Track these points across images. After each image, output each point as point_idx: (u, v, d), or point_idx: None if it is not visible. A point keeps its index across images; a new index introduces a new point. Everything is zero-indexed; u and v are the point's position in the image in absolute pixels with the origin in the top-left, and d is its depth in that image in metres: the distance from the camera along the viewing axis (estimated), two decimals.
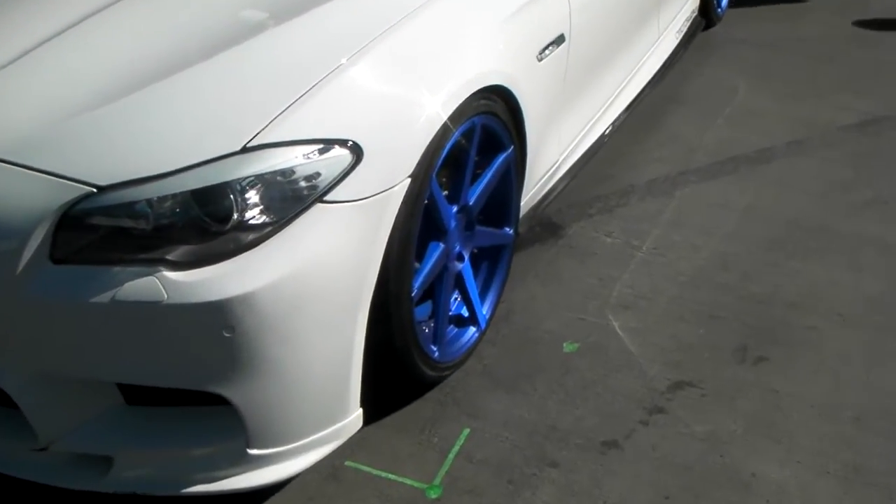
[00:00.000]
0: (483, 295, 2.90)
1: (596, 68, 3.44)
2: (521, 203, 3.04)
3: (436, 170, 2.36)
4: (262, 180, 1.99)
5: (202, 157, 1.98)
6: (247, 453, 2.10)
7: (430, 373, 2.61)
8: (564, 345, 2.95)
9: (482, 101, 2.50)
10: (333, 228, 2.06)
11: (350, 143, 2.10)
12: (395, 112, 2.24)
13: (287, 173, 2.01)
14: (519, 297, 3.17)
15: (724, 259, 3.39)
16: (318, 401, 2.17)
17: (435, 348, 2.62)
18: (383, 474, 2.48)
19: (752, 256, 3.41)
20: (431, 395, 2.73)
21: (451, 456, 2.55)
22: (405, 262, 2.30)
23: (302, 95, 2.11)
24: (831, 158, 4.15)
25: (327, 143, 2.08)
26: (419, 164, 2.25)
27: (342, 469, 2.49)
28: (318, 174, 2.04)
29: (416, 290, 2.40)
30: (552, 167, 3.24)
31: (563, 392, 2.75)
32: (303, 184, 2.02)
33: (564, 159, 3.35)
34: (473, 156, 2.57)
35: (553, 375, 2.82)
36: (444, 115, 2.32)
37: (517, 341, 2.96)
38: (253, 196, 1.98)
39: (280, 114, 2.07)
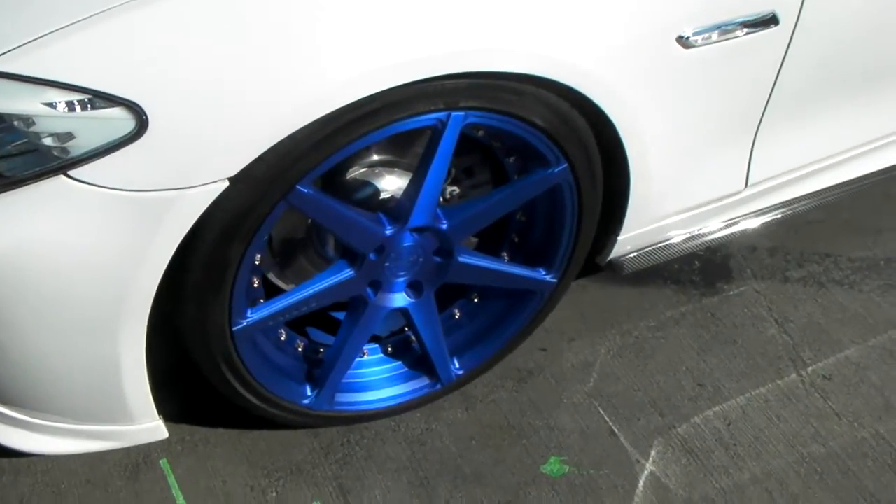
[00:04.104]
0: (468, 346, 2.10)
1: (847, 87, 2.17)
2: (622, 238, 2.07)
3: (308, 178, 1.61)
4: None
5: None
6: None
7: (284, 415, 1.97)
8: (551, 460, 2.06)
9: (478, 92, 1.67)
10: (76, 215, 1.53)
11: (132, 105, 1.46)
12: (229, 79, 1.49)
13: (27, 121, 1.47)
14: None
15: None
16: (76, 394, 1.78)
17: (311, 391, 1.92)
18: (180, 501, 1.98)
19: None
20: (326, 439, 2.08)
21: None
22: (215, 295, 1.69)
23: (77, 21, 1.47)
24: None
25: (97, 97, 1.47)
26: (259, 164, 1.54)
27: (153, 467, 2.03)
28: (71, 136, 1.48)
29: (273, 322, 1.83)
30: (711, 202, 2.16)
31: None
32: (48, 142, 1.48)
33: (751, 197, 2.23)
34: (441, 164, 1.73)
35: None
36: (337, 99, 1.54)
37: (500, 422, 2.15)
38: None
39: (39, 38, 1.46)
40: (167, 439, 1.87)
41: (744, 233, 2.31)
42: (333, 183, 1.86)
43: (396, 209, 1.79)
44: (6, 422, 1.81)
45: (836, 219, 2.68)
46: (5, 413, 1.79)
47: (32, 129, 1.47)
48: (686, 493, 2.01)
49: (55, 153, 1.48)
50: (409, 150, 1.91)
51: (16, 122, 1.47)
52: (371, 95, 1.54)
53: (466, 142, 1.80)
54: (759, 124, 2.09)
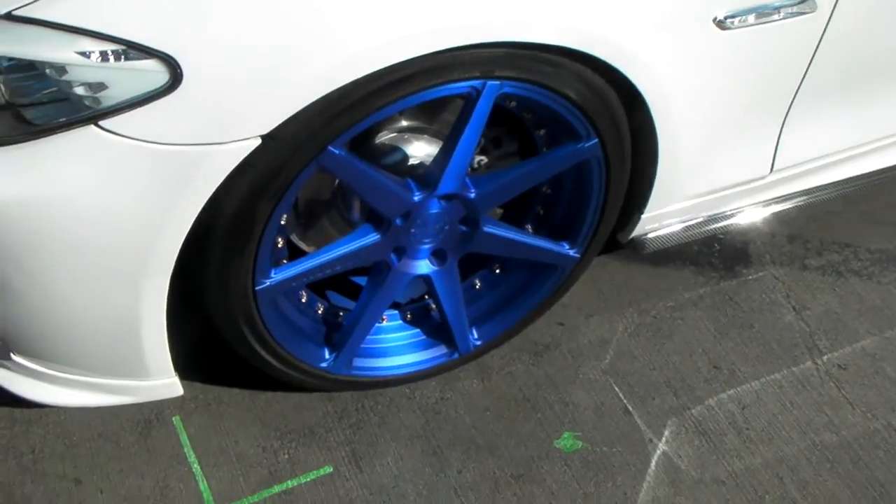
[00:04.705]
0: (487, 317, 2.09)
1: (878, 77, 2.16)
2: (646, 216, 2.05)
3: (340, 139, 1.60)
4: (21, 67, 1.46)
5: None
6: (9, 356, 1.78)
7: (302, 377, 1.96)
8: (565, 435, 2.06)
9: (514, 63, 1.65)
10: (104, 166, 1.50)
11: (166, 58, 1.43)
12: (266, 37, 1.47)
13: (60, 70, 1.44)
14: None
15: None
16: (93, 346, 1.76)
17: (329, 355, 1.91)
18: (192, 458, 1.97)
19: None
20: (340, 404, 2.08)
21: (275, 489, 1.92)
22: (240, 254, 1.67)
23: None
24: None
25: (132, 48, 1.44)
26: (292, 123, 1.52)
27: (166, 424, 2.02)
28: (103, 86, 1.46)
29: (295, 283, 1.82)
30: (735, 186, 2.15)
31: None
32: (80, 91, 1.46)
33: (775, 183, 2.21)
34: (473, 133, 1.72)
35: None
36: (373, 62, 1.51)
37: (517, 395, 2.14)
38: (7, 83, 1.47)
39: None
40: (180, 397, 1.87)
41: (765, 218, 2.30)
42: (362, 147, 1.85)
43: (426, 176, 1.78)
44: (21, 371, 1.80)
45: (855, 210, 2.66)
46: (21, 363, 1.78)
47: (64, 77, 1.44)
48: (697, 474, 2.00)
49: (86, 103, 1.46)
50: (438, 117, 1.89)
51: (48, 70, 1.45)
52: (408, 60, 1.52)
53: (497, 112, 1.79)
54: (789, 111, 2.07)
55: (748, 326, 2.32)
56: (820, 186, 2.36)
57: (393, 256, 1.87)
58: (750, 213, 2.27)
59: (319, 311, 1.98)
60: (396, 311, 2.07)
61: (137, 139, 1.48)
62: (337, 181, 1.87)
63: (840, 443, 2.09)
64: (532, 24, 1.59)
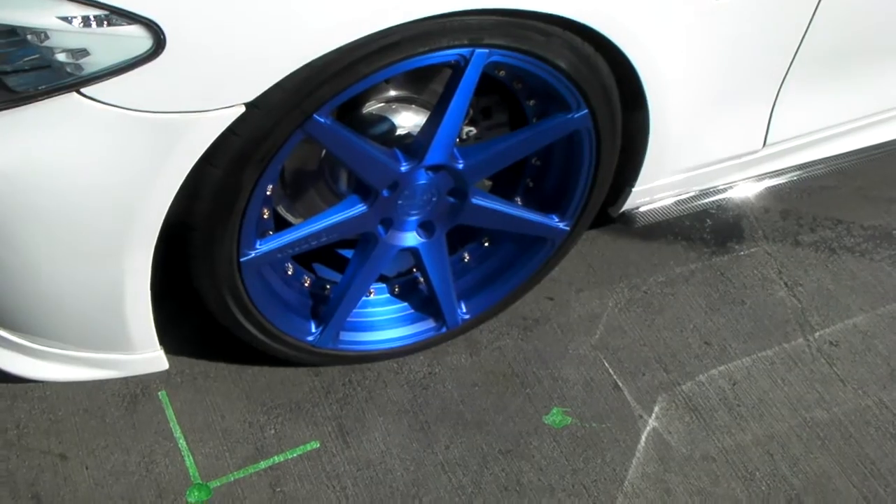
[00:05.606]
0: (476, 291, 2.07)
1: (872, 51, 2.14)
2: (636, 189, 2.03)
3: (326, 107, 1.57)
4: (2, 34, 1.43)
5: None
6: None
7: (288, 351, 1.93)
8: (554, 410, 2.04)
9: (503, 30, 1.62)
10: (87, 134, 1.48)
11: (150, 23, 1.40)
12: (250, 2, 1.44)
13: (41, 36, 1.41)
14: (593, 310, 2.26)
15: None
16: (77, 319, 1.74)
17: (316, 328, 1.89)
18: (178, 434, 1.95)
19: None
20: (327, 378, 2.06)
21: (262, 464, 1.90)
22: (224, 224, 1.65)
23: None
24: None
25: (115, 13, 1.41)
26: (277, 90, 1.50)
27: (151, 399, 2.00)
28: (86, 52, 1.43)
29: (281, 254, 1.79)
30: (728, 159, 2.13)
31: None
32: (61, 58, 1.43)
33: (768, 157, 2.19)
34: (461, 102, 1.69)
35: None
36: (359, 28, 1.49)
37: (503, 367, 2.12)
38: None
39: None
40: (166, 371, 1.85)
41: (757, 193, 2.28)
42: (349, 116, 1.82)
43: (413, 146, 1.75)
44: (4, 346, 1.78)
45: (849, 186, 2.64)
46: (4, 337, 1.76)
47: (46, 43, 1.41)
48: (687, 451, 1.99)
49: (68, 70, 1.43)
50: (426, 86, 1.87)
51: (29, 37, 1.41)
52: (394, 27, 1.50)
53: (486, 82, 1.76)
54: (782, 83, 2.05)
55: (740, 302, 2.30)
56: (814, 161, 2.34)
57: (380, 228, 1.84)
58: (743, 188, 2.25)
59: (306, 284, 1.96)
60: (384, 285, 2.05)
61: (120, 107, 1.45)
62: (324, 151, 1.84)
63: (831, 420, 2.08)
64: None
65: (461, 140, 1.93)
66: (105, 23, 1.41)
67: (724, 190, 2.24)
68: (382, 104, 1.86)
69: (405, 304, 2.05)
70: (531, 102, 1.85)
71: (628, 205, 2.10)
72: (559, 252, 2.07)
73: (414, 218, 1.86)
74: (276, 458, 1.91)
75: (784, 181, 2.30)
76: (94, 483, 1.85)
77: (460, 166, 1.79)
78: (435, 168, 1.78)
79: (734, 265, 2.39)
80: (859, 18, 2.04)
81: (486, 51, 1.62)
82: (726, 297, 2.31)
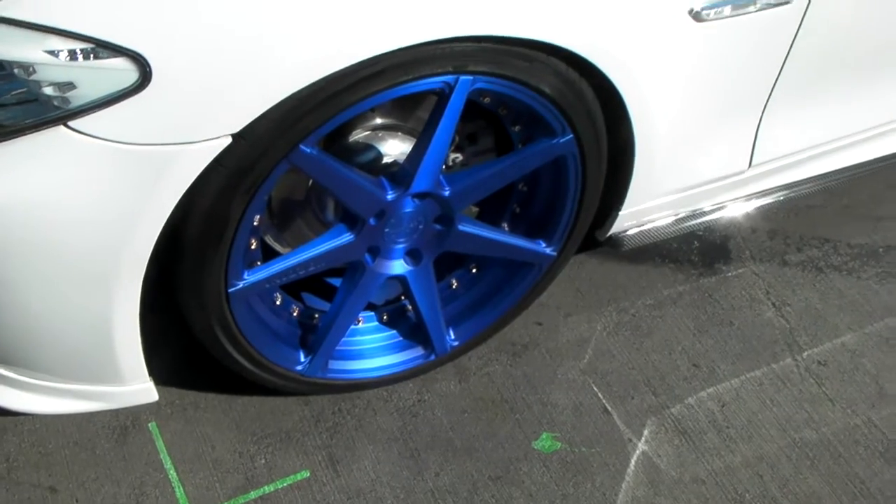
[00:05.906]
0: (464, 317, 2.08)
1: (855, 71, 2.15)
2: (623, 213, 2.04)
3: (312, 137, 1.58)
4: None
5: None
6: None
7: (277, 381, 1.93)
8: (543, 436, 2.04)
9: (487, 57, 1.63)
10: (74, 167, 1.48)
11: (136, 56, 1.41)
12: (235, 35, 1.45)
13: (28, 69, 1.42)
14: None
15: None
16: (66, 352, 1.74)
17: (304, 357, 1.89)
18: (168, 465, 1.94)
19: None
20: (316, 407, 2.06)
21: (252, 494, 1.90)
22: (212, 255, 1.65)
23: None
24: None
25: (101, 46, 1.42)
26: (262, 121, 1.50)
27: (141, 430, 2.00)
28: (72, 85, 1.43)
29: (269, 284, 1.79)
30: (714, 181, 2.14)
31: None
32: (48, 91, 1.43)
33: (754, 177, 2.21)
34: (447, 130, 1.70)
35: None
36: (343, 58, 1.49)
37: (494, 395, 2.13)
38: None
39: None
40: (156, 402, 1.85)
41: (744, 214, 2.29)
42: (335, 145, 1.83)
43: (399, 174, 1.76)
44: None
45: (835, 204, 2.66)
46: None
47: (33, 77, 1.42)
48: (677, 474, 1.99)
49: (55, 103, 1.43)
50: (412, 114, 1.88)
51: (16, 70, 1.42)
52: (378, 56, 1.50)
53: (472, 109, 1.77)
54: (766, 104, 2.06)
55: (728, 324, 2.31)
56: (800, 181, 2.35)
57: (367, 257, 1.85)
58: (730, 209, 2.26)
59: (294, 314, 1.96)
60: (372, 313, 2.05)
61: (107, 139, 1.45)
62: (311, 181, 1.85)
63: (820, 440, 2.08)
64: (505, 17, 1.57)
65: (447, 167, 1.93)
66: (91, 56, 1.41)
67: (712, 211, 2.25)
68: (368, 132, 1.86)
69: (394, 331, 2.06)
70: (516, 128, 1.86)
71: (615, 228, 2.10)
72: (547, 277, 2.08)
73: (401, 246, 1.86)
74: (266, 487, 1.91)
75: (771, 201, 2.31)
76: None
77: (447, 193, 1.79)
78: (421, 195, 1.78)
79: (722, 286, 2.40)
80: (842, 36, 2.05)
81: (471, 77, 1.63)
82: (714, 318, 2.32)
